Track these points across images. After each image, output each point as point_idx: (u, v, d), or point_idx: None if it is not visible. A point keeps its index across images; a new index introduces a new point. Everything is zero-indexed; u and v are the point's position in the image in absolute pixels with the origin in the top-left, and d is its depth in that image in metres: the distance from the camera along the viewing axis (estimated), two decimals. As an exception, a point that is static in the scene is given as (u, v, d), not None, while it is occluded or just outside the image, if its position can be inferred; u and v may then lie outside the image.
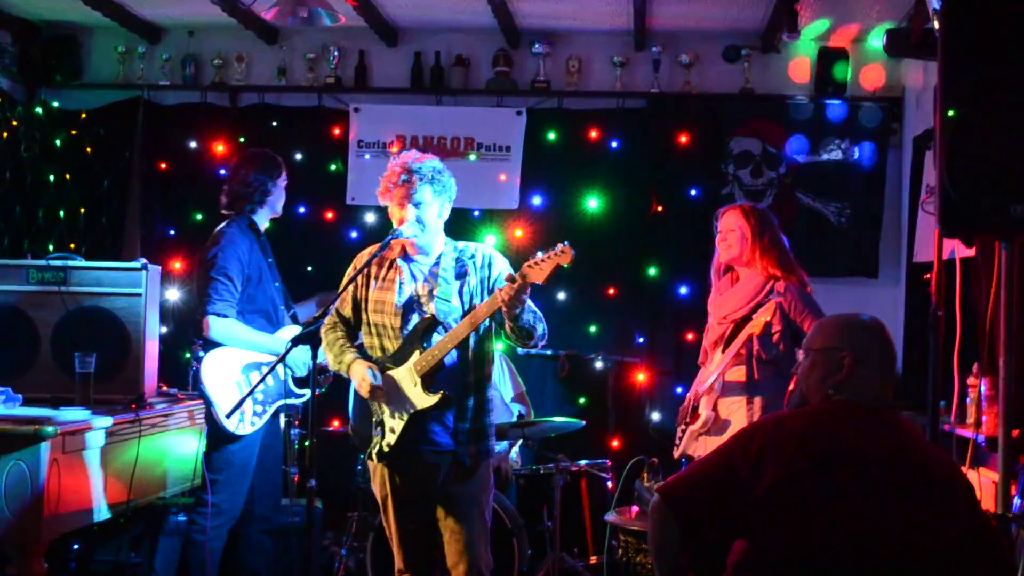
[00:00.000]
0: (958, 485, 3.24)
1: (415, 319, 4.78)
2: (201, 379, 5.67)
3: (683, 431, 5.58)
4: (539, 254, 4.42)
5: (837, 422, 3.24)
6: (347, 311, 4.98)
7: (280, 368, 5.70)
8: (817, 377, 3.41)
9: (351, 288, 4.92)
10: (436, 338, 4.71)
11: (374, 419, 4.84)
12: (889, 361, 3.38)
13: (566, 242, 4.42)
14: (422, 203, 4.76)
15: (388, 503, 4.87)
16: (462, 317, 4.70)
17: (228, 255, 5.75)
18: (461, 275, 4.81)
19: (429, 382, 4.68)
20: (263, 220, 6.04)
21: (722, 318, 5.58)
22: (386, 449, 4.78)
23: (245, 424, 5.63)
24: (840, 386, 3.34)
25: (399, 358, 4.76)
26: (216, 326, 5.68)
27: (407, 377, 4.71)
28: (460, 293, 4.79)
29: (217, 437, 5.70)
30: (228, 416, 5.44)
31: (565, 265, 4.41)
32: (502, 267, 4.86)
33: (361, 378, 4.75)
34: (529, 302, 4.55)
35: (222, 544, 5.70)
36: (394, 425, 4.75)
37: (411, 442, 4.75)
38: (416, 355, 4.71)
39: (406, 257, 4.88)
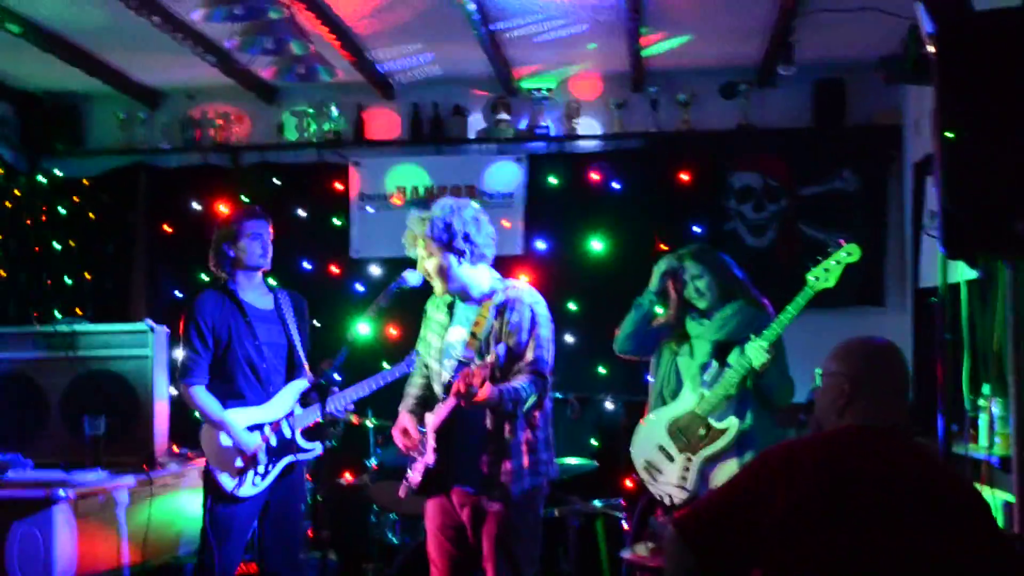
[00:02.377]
0: (975, 504, 3.21)
1: (449, 365, 4.79)
2: (201, 441, 5.55)
3: (668, 466, 5.56)
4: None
5: (845, 447, 3.23)
6: (425, 353, 5.04)
7: (284, 425, 5.63)
8: (826, 402, 3.40)
9: (423, 330, 5.03)
10: None
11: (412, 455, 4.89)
12: (894, 385, 3.35)
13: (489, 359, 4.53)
14: (426, 259, 4.79)
15: (428, 536, 4.94)
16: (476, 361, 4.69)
17: (188, 325, 5.62)
18: (490, 320, 4.75)
19: (438, 436, 4.73)
20: (247, 280, 5.78)
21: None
22: (412, 487, 4.83)
23: (246, 486, 5.45)
24: (843, 410, 3.33)
25: (435, 405, 4.83)
26: (187, 396, 5.56)
27: (430, 428, 4.76)
28: (482, 340, 4.73)
29: (216, 499, 5.49)
30: (232, 493, 5.37)
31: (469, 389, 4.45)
32: (525, 313, 4.78)
33: (397, 431, 4.88)
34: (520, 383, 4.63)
35: None
36: (418, 467, 4.82)
37: (432, 484, 4.79)
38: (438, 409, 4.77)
39: (451, 302, 4.92)
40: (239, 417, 5.46)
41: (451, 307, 4.91)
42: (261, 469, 5.47)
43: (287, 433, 5.54)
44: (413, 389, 5.07)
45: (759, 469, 3.26)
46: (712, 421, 5.43)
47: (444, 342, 4.85)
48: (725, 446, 5.39)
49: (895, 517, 3.04)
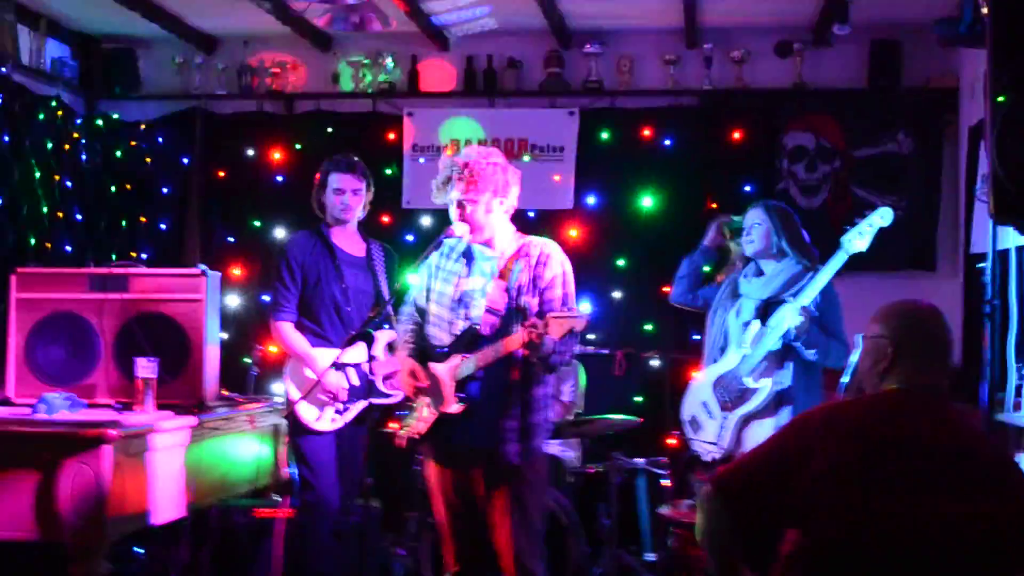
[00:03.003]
0: (1010, 471, 3.21)
1: (464, 314, 4.79)
2: (284, 376, 5.91)
3: (711, 421, 5.58)
4: (565, 309, 4.57)
5: (885, 410, 3.22)
6: (421, 300, 5.01)
7: (365, 367, 5.84)
8: (868, 365, 3.39)
9: (425, 278, 4.97)
10: (481, 345, 4.73)
11: (411, 403, 4.93)
12: (937, 348, 3.33)
13: (586, 308, 4.55)
14: (468, 201, 4.75)
15: (434, 494, 4.91)
16: (503, 317, 4.71)
17: (279, 264, 5.99)
18: (518, 272, 4.76)
19: (462, 388, 4.72)
20: (339, 227, 6.10)
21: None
22: (415, 436, 4.86)
23: (324, 420, 5.76)
24: (886, 374, 3.32)
25: (446, 356, 4.79)
26: (275, 331, 5.96)
27: (446, 376, 4.75)
28: (510, 291, 4.75)
29: (295, 432, 5.88)
30: (293, 404, 5.63)
31: (578, 329, 4.50)
32: (554, 269, 4.79)
33: (405, 375, 4.88)
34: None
35: (327, 544, 5.77)
36: (425, 418, 4.82)
37: (446, 436, 4.79)
38: (457, 359, 4.73)
39: (467, 250, 4.89)
40: (323, 355, 5.76)
41: (467, 256, 4.89)
42: (340, 407, 5.77)
43: (368, 376, 5.71)
44: (407, 336, 5.02)
45: (797, 430, 3.27)
46: (749, 380, 5.44)
47: (460, 291, 4.83)
48: (759, 405, 5.40)
49: (929, 482, 3.04)
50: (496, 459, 4.71)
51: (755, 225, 5.66)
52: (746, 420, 5.47)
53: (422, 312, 5.01)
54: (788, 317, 5.30)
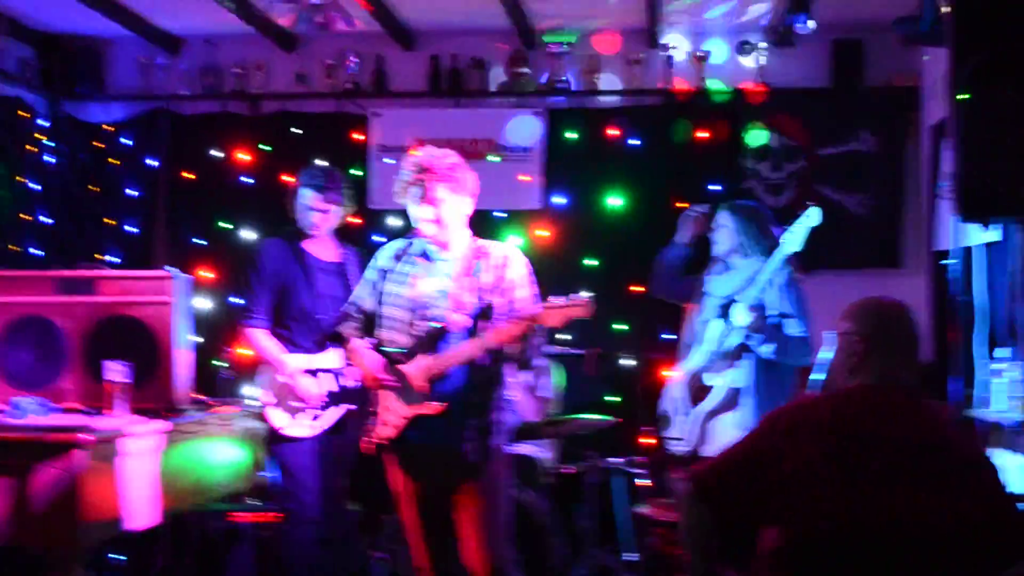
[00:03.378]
0: (981, 465, 3.24)
1: (423, 315, 4.77)
2: (258, 381, 5.82)
3: (680, 419, 5.61)
4: (558, 298, 4.53)
5: (855, 406, 3.25)
6: (368, 304, 4.96)
7: (340, 375, 5.78)
8: (838, 362, 3.42)
9: (372, 282, 4.93)
10: (446, 344, 4.72)
11: (372, 407, 4.88)
12: (906, 344, 3.37)
13: (586, 294, 4.53)
14: (438, 201, 4.75)
15: (400, 498, 4.88)
16: (474, 316, 4.70)
17: (248, 270, 5.94)
18: (475, 273, 4.78)
19: (434, 388, 4.70)
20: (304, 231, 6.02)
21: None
22: (380, 441, 4.82)
23: (298, 427, 5.70)
24: (856, 369, 3.35)
25: (408, 356, 4.76)
26: (247, 337, 5.90)
27: (413, 377, 4.72)
28: (473, 291, 4.76)
29: (272, 439, 5.80)
30: (266, 408, 5.58)
31: (583, 317, 4.54)
32: (518, 270, 4.84)
33: (371, 370, 4.81)
34: None
35: (308, 552, 5.72)
36: (392, 421, 4.77)
37: (415, 438, 4.76)
38: (427, 360, 4.71)
39: (425, 254, 4.87)
40: (294, 361, 5.72)
41: (424, 258, 4.87)
42: (315, 413, 5.70)
43: (343, 383, 5.66)
44: (357, 336, 4.99)
45: (769, 427, 3.29)
46: (707, 377, 5.48)
47: (417, 292, 4.81)
48: (717, 403, 5.44)
49: (902, 476, 3.08)
50: (456, 458, 4.71)
51: (721, 227, 5.72)
52: (708, 416, 5.50)
53: (367, 315, 4.98)
54: (739, 315, 5.35)
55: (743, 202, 5.85)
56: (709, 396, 5.46)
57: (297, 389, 5.64)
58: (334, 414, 5.74)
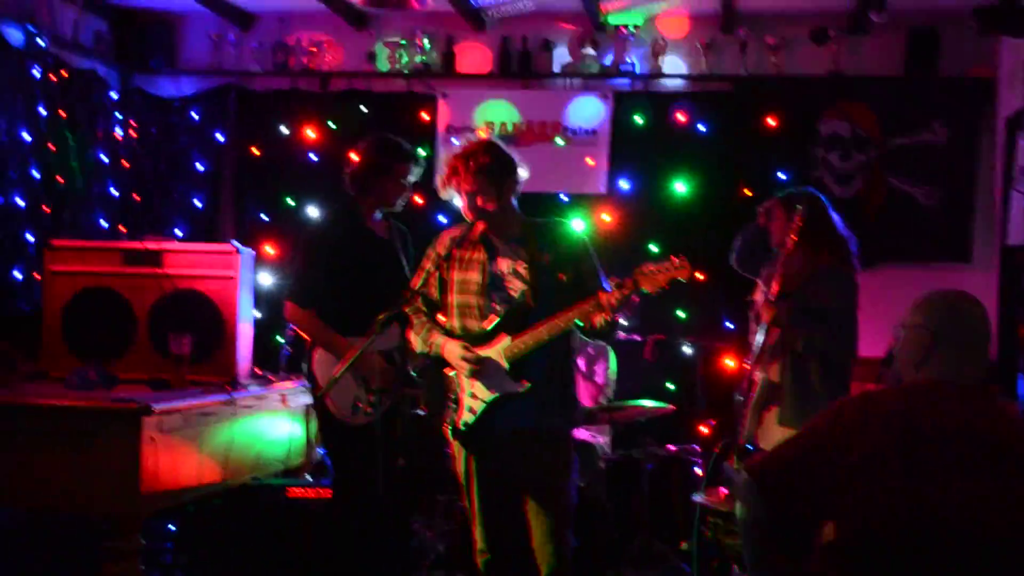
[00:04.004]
0: None
1: (500, 297, 4.77)
2: (312, 366, 5.41)
3: (744, 412, 5.56)
4: (653, 265, 4.53)
5: (922, 400, 3.18)
6: (434, 293, 4.96)
7: (396, 354, 5.43)
8: (905, 355, 3.34)
9: (435, 271, 4.92)
10: (525, 323, 4.71)
11: (450, 395, 4.84)
12: (976, 340, 3.28)
13: (682, 256, 4.52)
14: (477, 191, 4.75)
15: (471, 483, 4.85)
16: (548, 292, 4.70)
17: (307, 246, 5.54)
18: (541, 250, 4.79)
19: (518, 367, 4.69)
20: (375, 210, 5.62)
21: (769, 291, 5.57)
22: (462, 428, 4.78)
23: (358, 413, 5.31)
24: (922, 363, 3.27)
25: (487, 339, 4.75)
26: (291, 312, 5.48)
27: (496, 359, 4.72)
28: (542, 268, 4.76)
29: (325, 424, 5.44)
30: (320, 394, 5.26)
31: (682, 280, 4.52)
32: (581, 243, 4.86)
33: (460, 356, 4.73)
34: None
35: (355, 532, 5.53)
36: (473, 405, 4.74)
37: (494, 421, 4.74)
38: (507, 340, 4.70)
39: (484, 237, 4.86)
40: (351, 342, 5.24)
41: (484, 241, 4.85)
42: (374, 398, 5.32)
43: (399, 362, 5.53)
44: (433, 324, 4.94)
45: (835, 418, 3.23)
46: (758, 371, 5.44)
47: (488, 275, 4.80)
48: (759, 397, 5.40)
49: (969, 470, 3.01)
50: (540, 435, 4.73)
51: (775, 220, 5.62)
52: (757, 409, 5.46)
53: (432, 304, 4.98)
54: (762, 311, 5.30)
55: (796, 192, 5.69)
56: (757, 391, 5.42)
57: (357, 373, 5.25)
58: (392, 397, 5.49)
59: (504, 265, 4.81)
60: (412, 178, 5.64)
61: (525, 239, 4.83)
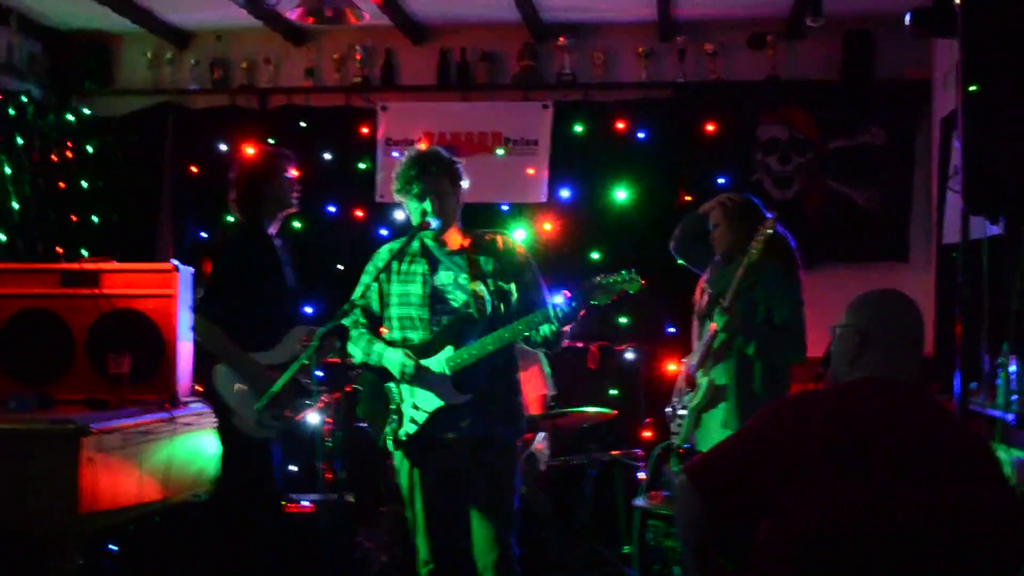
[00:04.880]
0: (984, 457, 3.20)
1: (442, 308, 4.80)
2: (216, 385, 5.31)
3: (680, 414, 5.60)
4: (603, 278, 4.59)
5: (855, 399, 3.21)
6: (375, 306, 4.96)
7: (295, 368, 5.42)
8: (839, 354, 3.38)
9: (374, 284, 4.91)
10: (469, 334, 4.74)
11: (390, 406, 4.84)
12: (906, 335, 3.32)
13: (632, 269, 4.60)
14: (442, 193, 4.77)
15: (415, 493, 4.86)
16: (490, 302, 4.74)
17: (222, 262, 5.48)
18: (482, 261, 4.83)
19: (461, 377, 4.72)
20: (274, 221, 5.62)
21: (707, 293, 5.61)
22: (403, 438, 4.79)
23: (264, 426, 5.27)
24: (855, 363, 3.31)
25: (429, 349, 4.78)
26: (197, 323, 5.40)
27: (437, 369, 4.73)
28: (484, 280, 4.80)
29: (232, 444, 5.35)
30: (257, 408, 5.13)
31: (631, 292, 4.61)
32: (522, 256, 4.91)
33: (402, 364, 4.74)
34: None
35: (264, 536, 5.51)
36: (415, 416, 4.77)
37: (436, 430, 4.77)
38: (450, 350, 4.73)
39: (425, 249, 4.89)
40: (259, 359, 5.32)
41: (425, 254, 4.88)
42: (277, 412, 5.27)
43: (299, 376, 5.43)
44: (372, 335, 4.92)
45: (770, 419, 3.24)
46: (697, 374, 5.48)
47: (431, 287, 4.82)
48: (700, 400, 5.44)
49: (902, 468, 3.03)
50: (485, 443, 4.77)
51: (714, 226, 5.65)
52: (697, 412, 5.49)
53: (373, 317, 4.98)
54: (717, 315, 5.32)
55: (733, 198, 5.71)
56: (696, 393, 5.46)
57: (259, 388, 5.14)
58: (292, 411, 5.41)
59: (445, 277, 4.83)
60: (294, 172, 5.65)
61: (466, 250, 4.86)
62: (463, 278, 4.80)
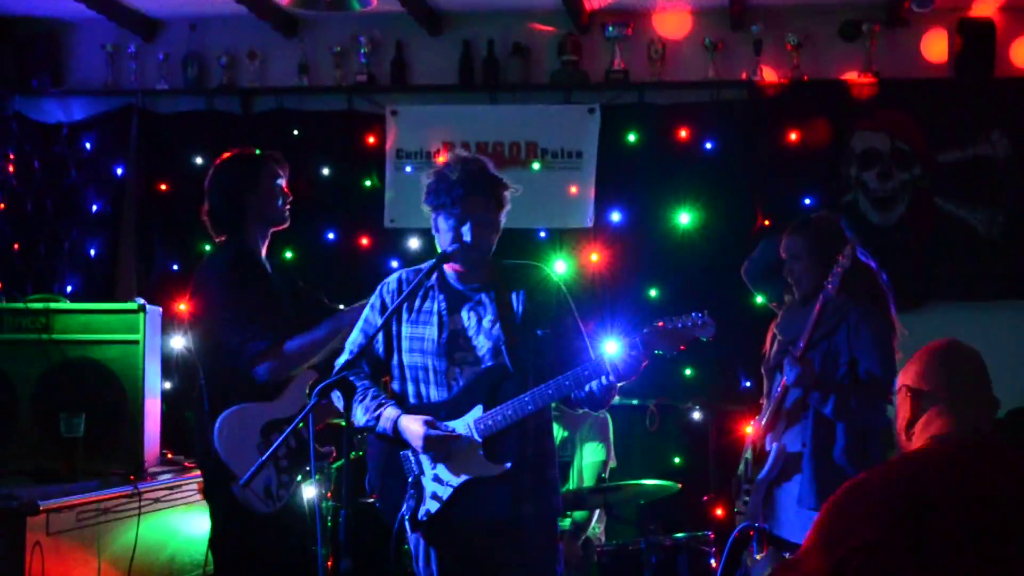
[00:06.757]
0: None
1: (462, 358, 4.75)
2: (215, 443, 5.20)
3: (745, 488, 5.57)
4: (669, 322, 4.53)
5: (919, 468, 3.26)
6: (379, 348, 4.86)
7: (300, 424, 5.40)
8: (900, 420, 3.45)
9: (381, 322, 4.78)
10: (501, 392, 4.69)
11: (408, 478, 4.80)
12: (968, 389, 3.37)
13: (705, 312, 4.53)
14: (485, 219, 4.68)
15: None
16: (521, 352, 4.69)
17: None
18: (516, 300, 4.77)
19: (494, 445, 4.67)
20: (265, 239, 5.61)
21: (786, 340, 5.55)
22: (424, 518, 4.75)
23: (272, 498, 5.24)
24: (912, 428, 3.39)
25: (451, 410, 4.71)
26: (269, 367, 5.26)
27: (467, 435, 4.68)
28: (516, 323, 4.73)
29: (231, 518, 5.29)
30: (243, 483, 5.15)
31: (704, 340, 4.54)
32: (559, 292, 4.85)
33: (424, 436, 4.61)
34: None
35: None
36: (438, 490, 4.72)
37: (463, 510, 4.72)
38: (478, 410, 4.68)
39: (443, 282, 4.84)
40: (262, 411, 5.27)
41: (444, 289, 4.82)
42: (285, 476, 5.27)
43: (304, 434, 5.42)
44: (379, 391, 4.86)
45: (832, 510, 3.28)
46: (766, 440, 5.45)
47: (449, 332, 4.75)
48: (769, 471, 5.40)
49: (989, 537, 3.08)
50: (518, 527, 4.69)
51: (794, 259, 5.55)
52: (769, 485, 5.45)
53: (379, 365, 4.93)
54: (787, 368, 5.26)
55: (821, 219, 5.65)
56: (768, 462, 5.42)
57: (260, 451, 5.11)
58: (299, 473, 5.37)
59: (468, 319, 4.78)
60: (282, 179, 5.61)
61: (493, 286, 4.80)
62: (488, 321, 4.76)
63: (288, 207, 5.61)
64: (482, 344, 4.72)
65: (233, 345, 5.19)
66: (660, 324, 4.53)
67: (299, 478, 5.39)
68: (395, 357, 4.84)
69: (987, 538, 3.06)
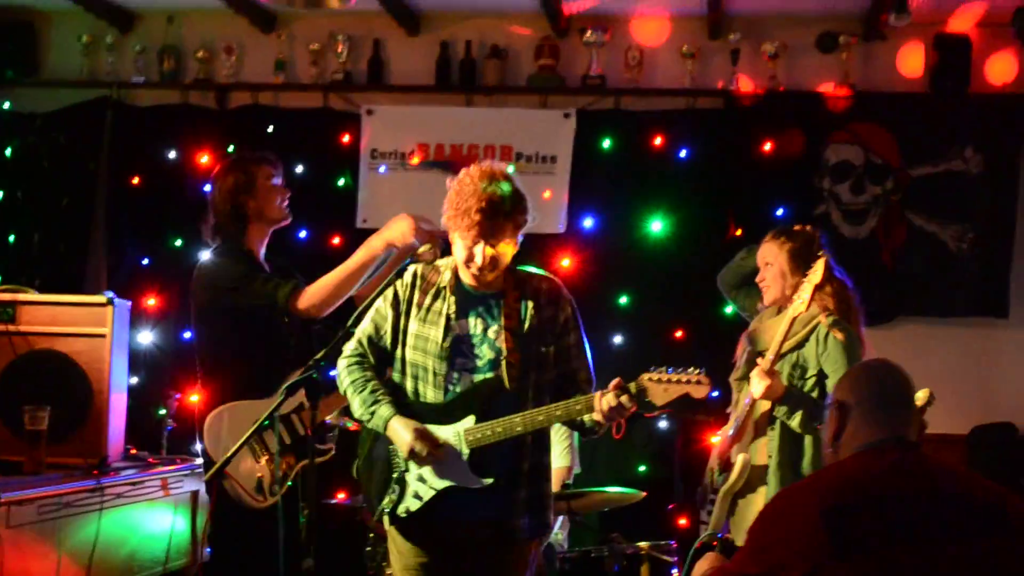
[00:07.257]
0: (1008, 510, 3.28)
1: (462, 365, 4.72)
2: (204, 438, 5.37)
3: (711, 498, 5.59)
4: (667, 371, 4.54)
5: (839, 477, 3.35)
6: (385, 340, 4.82)
7: (296, 419, 5.42)
8: (828, 433, 3.56)
9: (391, 313, 4.81)
10: (497, 405, 4.68)
11: (393, 474, 4.80)
12: (883, 398, 3.45)
13: (702, 369, 4.51)
14: (500, 245, 4.61)
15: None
16: (523, 367, 4.67)
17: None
18: (525, 311, 4.73)
19: (480, 457, 4.64)
20: (262, 240, 5.75)
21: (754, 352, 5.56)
22: (403, 515, 4.75)
23: (264, 494, 5.32)
24: (837, 440, 3.49)
25: (444, 414, 4.69)
26: (309, 299, 5.46)
27: (452, 442, 4.66)
28: (522, 336, 4.70)
29: (224, 511, 5.35)
30: (206, 478, 5.17)
31: (696, 398, 4.52)
32: (567, 309, 4.82)
33: (409, 446, 4.61)
34: None
35: None
36: (420, 490, 4.71)
37: (443, 511, 4.71)
38: (470, 420, 4.65)
39: (457, 285, 4.79)
40: (251, 410, 5.25)
41: (457, 291, 4.76)
42: (279, 474, 5.33)
43: (299, 430, 5.46)
44: (379, 385, 4.82)
45: (764, 518, 3.39)
46: (732, 451, 5.47)
47: (454, 336, 4.71)
48: (733, 483, 5.41)
49: (908, 539, 3.17)
50: (503, 534, 4.70)
51: (767, 265, 5.57)
52: (734, 496, 5.47)
53: (385, 356, 4.89)
54: (754, 379, 5.26)
55: (801, 230, 5.66)
56: (731, 472, 5.43)
57: (259, 448, 5.32)
58: (295, 469, 5.46)
59: (474, 325, 4.74)
60: (278, 178, 5.70)
61: (505, 294, 4.75)
62: (494, 331, 4.71)
63: (287, 203, 5.73)
64: (484, 354, 4.69)
65: (267, 293, 5.44)
66: (653, 375, 4.55)
67: (295, 474, 5.41)
68: (399, 350, 4.81)
69: (907, 540, 3.15)
